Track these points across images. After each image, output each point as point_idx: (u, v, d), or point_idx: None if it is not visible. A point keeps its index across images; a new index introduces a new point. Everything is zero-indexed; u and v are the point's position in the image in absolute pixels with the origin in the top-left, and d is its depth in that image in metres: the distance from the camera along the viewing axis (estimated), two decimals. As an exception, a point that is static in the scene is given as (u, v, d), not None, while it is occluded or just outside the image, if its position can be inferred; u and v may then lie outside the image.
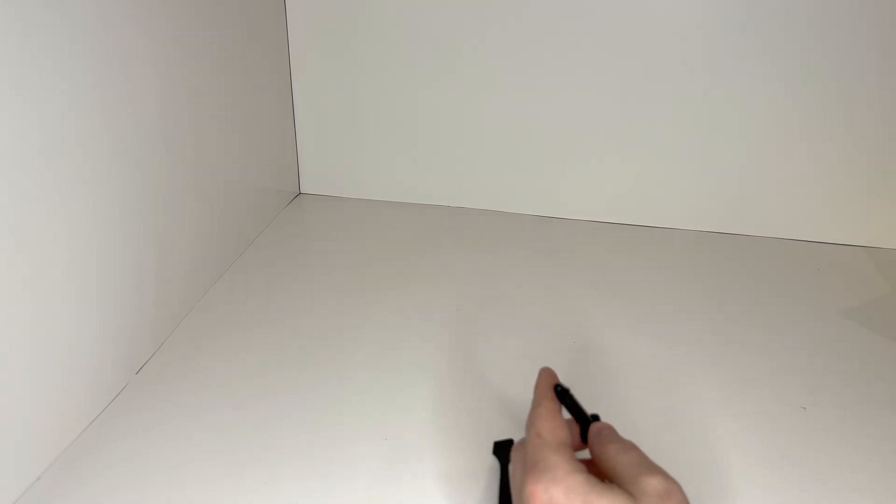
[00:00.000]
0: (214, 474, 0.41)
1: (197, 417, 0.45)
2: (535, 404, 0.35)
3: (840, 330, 0.55)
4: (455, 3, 0.65)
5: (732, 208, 0.69)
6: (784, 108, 0.64)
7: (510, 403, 0.46)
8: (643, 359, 0.51)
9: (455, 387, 0.48)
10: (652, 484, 0.30)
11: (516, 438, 0.40)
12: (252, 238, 0.67)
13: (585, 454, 0.35)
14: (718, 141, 0.66)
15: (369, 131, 0.73)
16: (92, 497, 0.39)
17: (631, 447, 0.33)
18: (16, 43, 0.35)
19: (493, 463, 0.41)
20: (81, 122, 0.41)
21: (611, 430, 0.35)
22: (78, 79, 0.40)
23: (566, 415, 0.37)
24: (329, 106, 0.73)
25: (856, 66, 0.61)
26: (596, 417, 0.37)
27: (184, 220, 0.54)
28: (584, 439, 0.36)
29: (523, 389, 0.47)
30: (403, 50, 0.68)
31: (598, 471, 0.35)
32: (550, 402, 0.35)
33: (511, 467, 0.34)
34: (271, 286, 0.60)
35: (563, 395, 0.38)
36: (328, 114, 0.73)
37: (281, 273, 0.62)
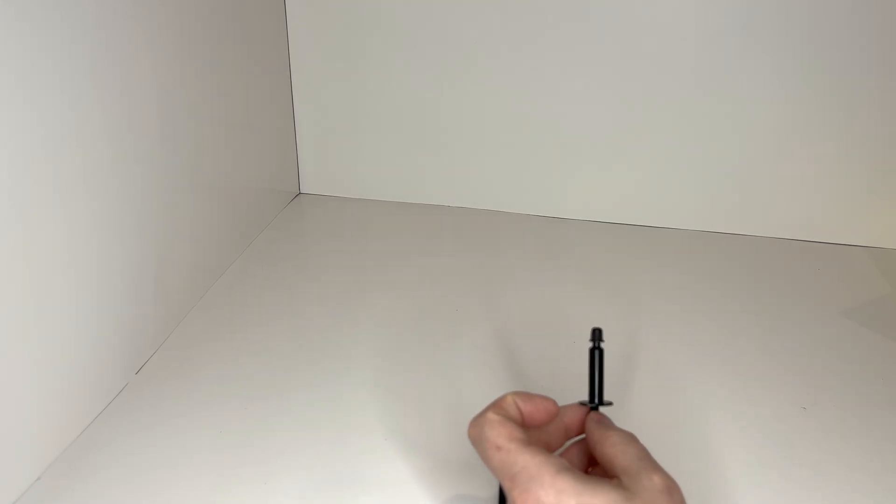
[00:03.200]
0: (214, 474, 0.41)
1: (197, 417, 0.45)
2: (478, 416, 0.33)
3: (840, 330, 0.55)
4: (456, 3, 0.65)
5: (733, 208, 0.69)
6: (784, 108, 0.64)
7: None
8: (644, 358, 0.51)
9: (455, 387, 0.48)
10: (654, 480, 0.29)
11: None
12: (252, 238, 0.67)
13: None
14: (719, 141, 0.66)
15: (369, 131, 0.73)
16: (92, 497, 0.39)
17: (633, 440, 0.32)
18: (16, 43, 0.35)
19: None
20: (81, 122, 0.41)
21: (610, 421, 0.35)
22: (77, 78, 0.40)
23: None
24: (329, 106, 0.73)
25: (856, 66, 0.61)
26: (609, 404, 0.36)
27: (183, 220, 0.54)
28: (592, 403, 0.35)
29: (524, 389, 0.47)
30: (404, 50, 0.68)
31: (581, 453, 0.35)
32: (493, 410, 0.32)
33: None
34: (271, 286, 0.60)
35: (597, 355, 0.37)
36: (328, 113, 0.73)
37: (281, 273, 0.62)
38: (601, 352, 0.37)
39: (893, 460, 0.42)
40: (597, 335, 0.37)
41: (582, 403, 0.36)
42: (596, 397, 0.36)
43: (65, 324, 0.41)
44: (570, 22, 0.64)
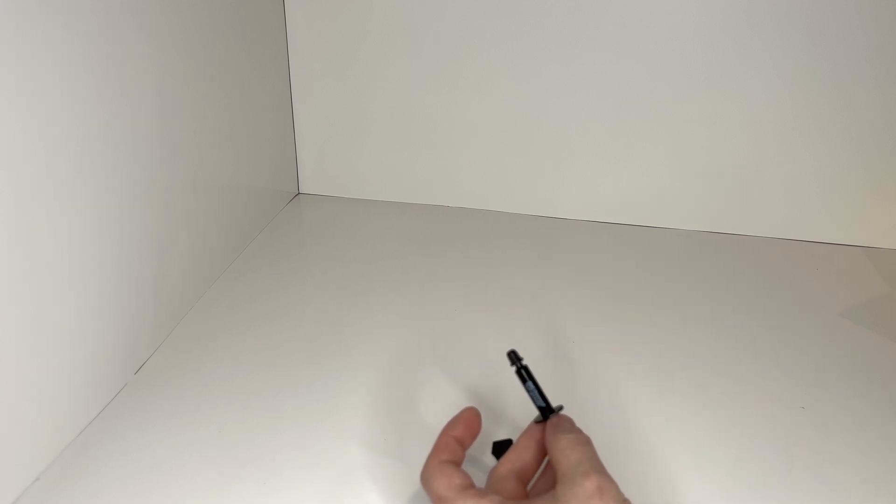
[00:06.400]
0: (213, 474, 0.41)
1: (196, 417, 0.45)
2: (424, 465, 0.35)
3: (839, 330, 0.55)
4: (455, 3, 0.65)
5: (732, 208, 0.69)
6: (784, 107, 0.64)
7: (509, 404, 0.46)
8: (642, 358, 0.51)
9: (454, 387, 0.48)
10: (585, 485, 0.31)
11: (515, 438, 0.40)
12: (251, 238, 0.67)
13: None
14: (718, 141, 0.66)
15: (368, 131, 0.73)
16: (91, 497, 0.39)
17: (581, 443, 0.34)
18: (16, 43, 0.35)
19: (491, 462, 0.41)
20: (80, 122, 0.41)
21: (569, 421, 0.36)
22: (77, 78, 0.40)
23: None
24: (328, 105, 0.73)
25: (856, 66, 0.61)
26: (559, 408, 0.38)
27: (182, 221, 0.54)
28: (544, 417, 0.37)
29: (522, 390, 0.47)
30: (403, 49, 0.68)
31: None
32: (434, 458, 0.35)
33: None
34: (270, 286, 0.60)
35: (523, 374, 0.38)
36: (327, 113, 0.73)
37: (280, 273, 0.62)
38: (526, 369, 0.38)
39: (892, 459, 0.42)
40: (513, 357, 0.39)
41: (537, 421, 0.37)
42: (546, 409, 0.37)
43: (64, 324, 0.41)
44: (570, 21, 0.64)
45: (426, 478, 0.35)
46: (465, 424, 0.38)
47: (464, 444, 0.37)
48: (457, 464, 0.36)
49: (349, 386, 0.48)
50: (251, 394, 0.47)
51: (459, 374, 0.49)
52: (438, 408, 0.46)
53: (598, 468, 0.32)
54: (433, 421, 0.45)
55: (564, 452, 0.33)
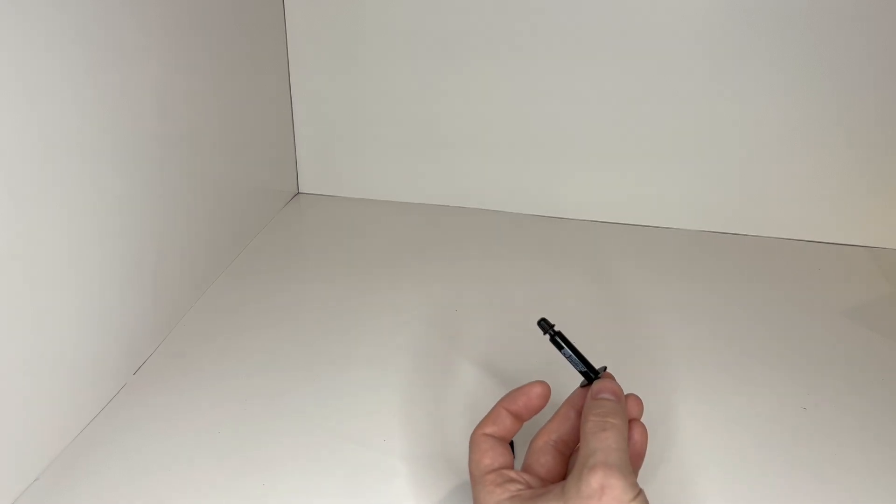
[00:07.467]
0: (212, 475, 0.41)
1: (195, 418, 0.45)
2: (474, 431, 0.35)
3: (841, 330, 0.55)
4: (455, 3, 0.65)
5: (732, 208, 0.69)
6: (785, 107, 0.64)
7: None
8: (642, 358, 0.51)
9: (454, 387, 0.48)
10: (588, 483, 0.29)
11: (515, 439, 0.40)
12: (250, 238, 0.67)
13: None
14: (719, 140, 0.66)
15: (368, 131, 0.73)
16: (90, 497, 0.39)
17: (605, 428, 0.32)
18: (16, 43, 0.35)
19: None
20: (79, 122, 0.41)
21: (605, 400, 0.34)
22: (76, 78, 0.40)
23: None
24: (328, 105, 0.73)
25: (856, 66, 0.61)
26: (603, 369, 0.36)
27: (181, 220, 0.54)
28: (589, 381, 0.36)
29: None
30: (403, 49, 0.68)
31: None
32: (479, 428, 0.35)
33: None
34: (269, 286, 0.60)
35: (558, 341, 0.37)
36: (327, 112, 0.73)
37: (279, 273, 0.62)
38: (560, 334, 0.37)
39: (892, 459, 0.42)
40: (544, 324, 0.38)
41: (582, 386, 0.37)
42: (589, 373, 0.37)
43: (63, 324, 0.41)
44: (570, 21, 0.64)
45: (470, 444, 0.34)
46: (526, 400, 0.35)
47: (520, 418, 0.35)
48: (503, 438, 0.34)
49: (348, 386, 0.48)
50: (251, 394, 0.47)
51: (459, 374, 0.49)
52: (438, 408, 0.46)
53: (608, 462, 0.29)
54: (433, 421, 0.45)
55: (586, 437, 0.31)
